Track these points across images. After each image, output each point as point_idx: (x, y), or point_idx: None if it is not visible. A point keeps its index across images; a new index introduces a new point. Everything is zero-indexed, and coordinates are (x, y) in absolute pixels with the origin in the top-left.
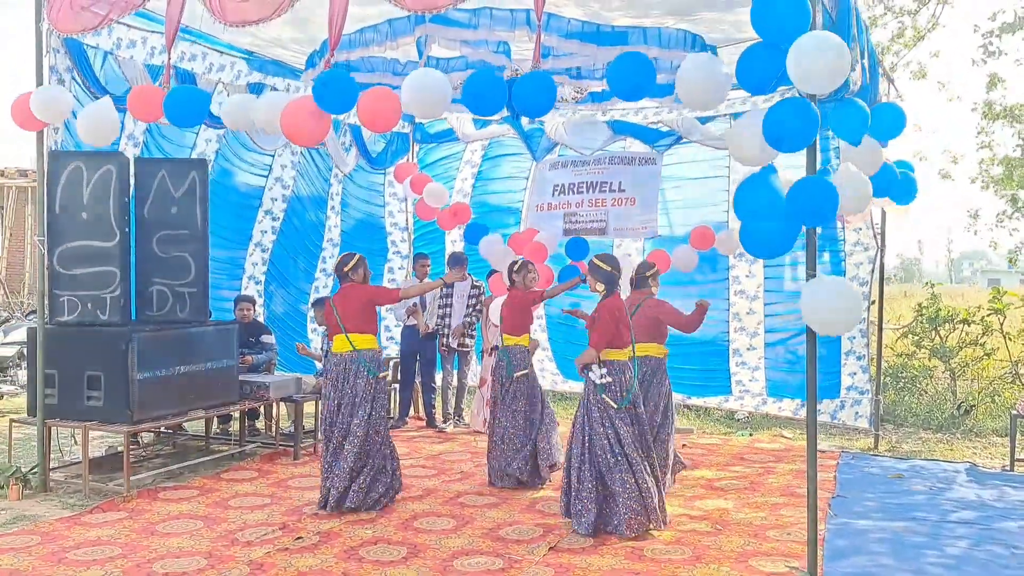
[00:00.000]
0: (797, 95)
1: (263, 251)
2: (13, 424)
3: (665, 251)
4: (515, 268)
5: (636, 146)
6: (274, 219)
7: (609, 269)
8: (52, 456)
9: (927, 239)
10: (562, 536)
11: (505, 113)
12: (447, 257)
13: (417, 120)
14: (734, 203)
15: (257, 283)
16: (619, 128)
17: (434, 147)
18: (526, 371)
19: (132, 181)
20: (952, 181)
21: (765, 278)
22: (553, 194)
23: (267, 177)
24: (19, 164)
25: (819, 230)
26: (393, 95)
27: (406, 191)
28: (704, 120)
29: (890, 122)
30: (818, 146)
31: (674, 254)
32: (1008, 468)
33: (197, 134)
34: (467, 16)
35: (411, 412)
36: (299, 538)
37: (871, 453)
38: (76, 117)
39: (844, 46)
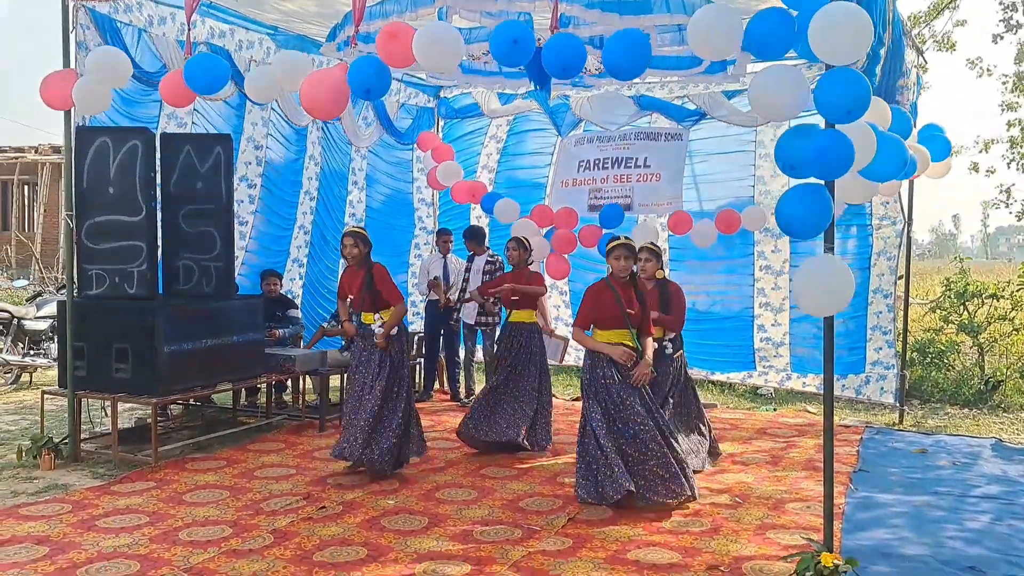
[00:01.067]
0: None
1: (305, 233)
2: (45, 396)
3: (689, 215)
4: (509, 246)
5: (662, 121)
6: (312, 198)
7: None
8: (83, 427)
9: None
10: (582, 508)
11: (530, 87)
12: (464, 231)
13: (442, 95)
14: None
15: (300, 265)
16: (645, 104)
17: (459, 122)
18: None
19: (158, 156)
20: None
21: (792, 253)
22: (578, 170)
23: (303, 156)
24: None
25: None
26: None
27: (426, 161)
28: (730, 95)
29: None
30: None
31: (695, 228)
32: None
33: (243, 118)
34: None
35: (436, 386)
36: (322, 507)
37: (896, 428)
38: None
39: (867, 17)
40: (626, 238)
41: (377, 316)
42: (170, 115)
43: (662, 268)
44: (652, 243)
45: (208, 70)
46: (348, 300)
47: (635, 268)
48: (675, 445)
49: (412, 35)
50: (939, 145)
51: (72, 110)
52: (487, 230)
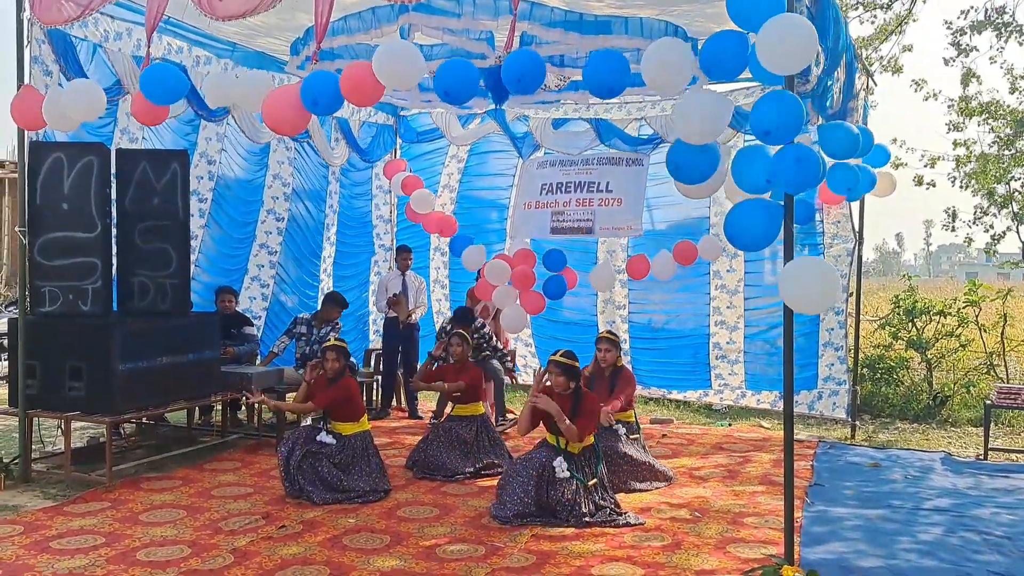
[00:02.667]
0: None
1: (270, 253)
2: None
3: (646, 256)
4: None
5: (623, 145)
6: (278, 219)
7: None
8: (34, 447)
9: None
10: (545, 526)
11: (490, 106)
12: (455, 312)
13: (402, 114)
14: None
15: (263, 285)
16: (604, 134)
17: (418, 141)
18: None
19: (113, 172)
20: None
21: (745, 272)
22: (541, 192)
23: (265, 174)
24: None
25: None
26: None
27: (394, 188)
28: None
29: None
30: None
31: (654, 262)
32: (982, 457)
33: (198, 132)
34: (450, 4)
35: (393, 403)
36: (283, 527)
37: (848, 443)
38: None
39: (813, 30)
40: (564, 354)
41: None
42: (123, 130)
43: (620, 356)
44: (610, 332)
45: (165, 81)
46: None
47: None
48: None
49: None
50: (879, 155)
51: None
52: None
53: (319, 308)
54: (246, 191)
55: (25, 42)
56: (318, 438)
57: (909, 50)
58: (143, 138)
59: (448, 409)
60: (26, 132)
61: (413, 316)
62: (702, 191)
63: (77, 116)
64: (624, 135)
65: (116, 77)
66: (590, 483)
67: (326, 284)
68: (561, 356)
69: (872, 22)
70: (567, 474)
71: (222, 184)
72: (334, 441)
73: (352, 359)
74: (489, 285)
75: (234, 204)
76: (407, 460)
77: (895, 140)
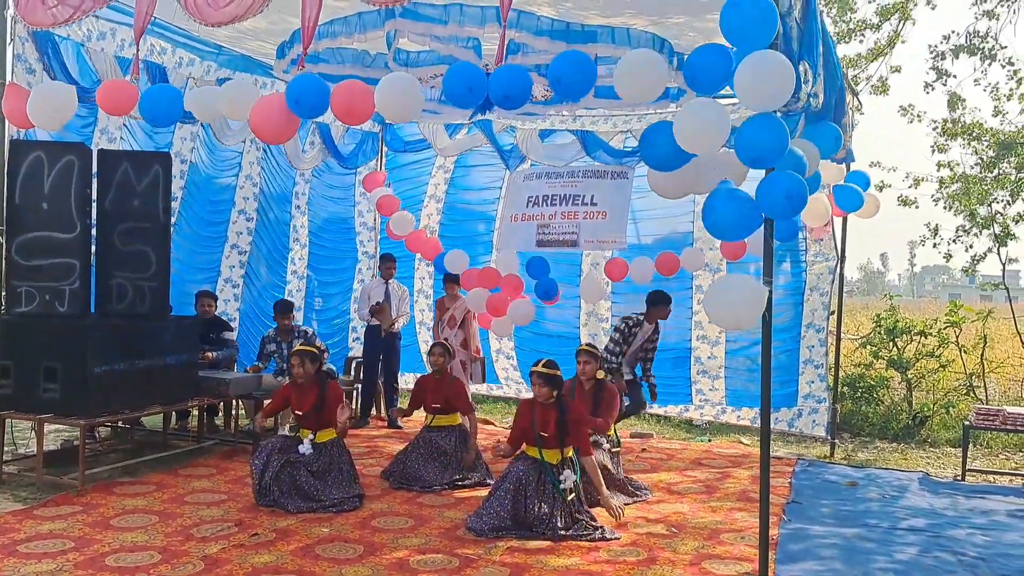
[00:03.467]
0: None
1: (240, 253)
2: None
3: (624, 260)
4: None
5: (608, 158)
6: (248, 219)
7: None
8: (6, 448)
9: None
10: (520, 538)
11: (476, 115)
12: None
13: (388, 121)
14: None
15: (234, 286)
16: (590, 147)
17: (403, 150)
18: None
19: (95, 173)
20: (911, 208)
21: None
22: (527, 205)
23: (238, 175)
24: None
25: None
26: (368, 90)
27: (372, 202)
28: None
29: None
30: None
31: (632, 265)
32: (960, 478)
33: (173, 132)
34: (438, 12)
35: (372, 412)
36: (255, 535)
37: (827, 461)
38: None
39: (790, 67)
40: (546, 363)
41: (309, 437)
42: (103, 130)
43: (601, 368)
44: (590, 345)
45: (162, 102)
46: (289, 413)
47: (584, 374)
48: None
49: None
50: (859, 180)
51: (5, 121)
52: None
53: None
54: (217, 191)
55: (8, 40)
56: (300, 448)
57: (897, 71)
58: (120, 138)
59: (427, 420)
60: (6, 131)
61: (396, 325)
62: (675, 187)
63: (43, 121)
64: (609, 148)
65: (98, 77)
66: (569, 497)
67: (294, 285)
68: (543, 367)
69: (861, 41)
70: (571, 484)
71: (194, 184)
72: (312, 451)
73: (331, 365)
74: (476, 279)
75: (203, 204)
76: (384, 471)
77: (875, 163)
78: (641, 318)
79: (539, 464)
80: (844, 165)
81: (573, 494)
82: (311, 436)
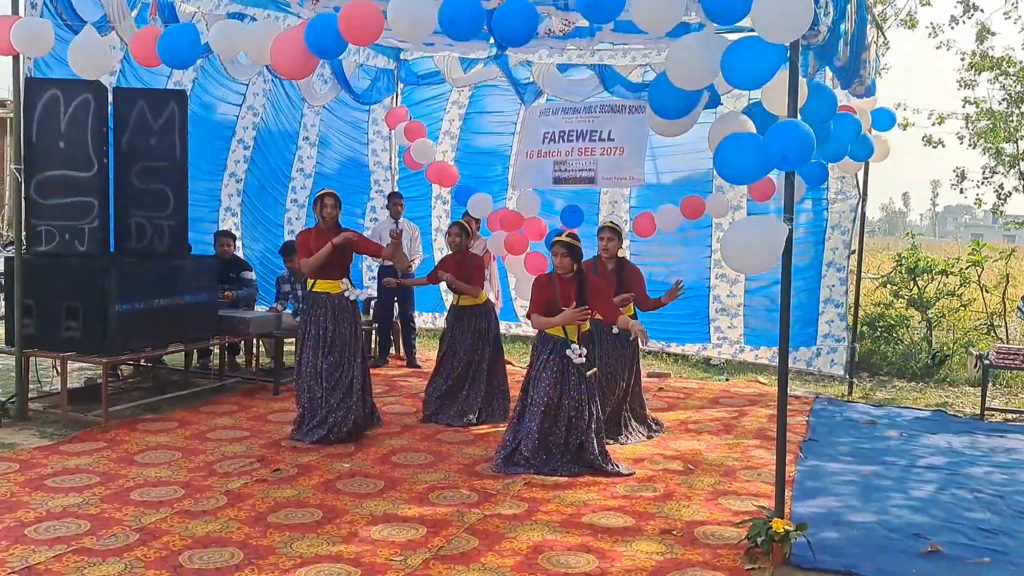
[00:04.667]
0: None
1: (237, 181)
2: None
3: (651, 213)
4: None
5: (626, 92)
6: (246, 148)
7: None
8: (31, 386)
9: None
10: (536, 474)
11: (492, 52)
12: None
13: (403, 57)
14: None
15: (234, 215)
16: (608, 81)
17: (420, 87)
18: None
19: (110, 111)
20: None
21: None
22: (543, 141)
23: (240, 106)
24: None
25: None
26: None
27: (396, 137)
28: None
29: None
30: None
31: (658, 215)
32: (979, 416)
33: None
34: None
35: (391, 351)
36: (277, 470)
37: (845, 400)
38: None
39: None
40: (568, 234)
41: (344, 282)
42: None
43: (622, 247)
44: (612, 222)
45: (182, 44)
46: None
47: (606, 251)
48: (591, 445)
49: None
50: (884, 119)
51: (21, 60)
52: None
53: (286, 266)
54: (218, 121)
55: None
56: (346, 294)
57: (928, 3)
58: (121, 72)
59: (455, 300)
60: (21, 68)
61: (412, 266)
62: (676, 127)
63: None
64: (627, 82)
65: (103, 12)
66: (588, 372)
67: (294, 213)
68: (565, 236)
69: None
70: (583, 360)
71: (195, 114)
72: (357, 295)
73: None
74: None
75: (206, 134)
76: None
77: (899, 105)
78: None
79: (563, 367)
80: (871, 99)
81: (594, 368)
82: (345, 282)
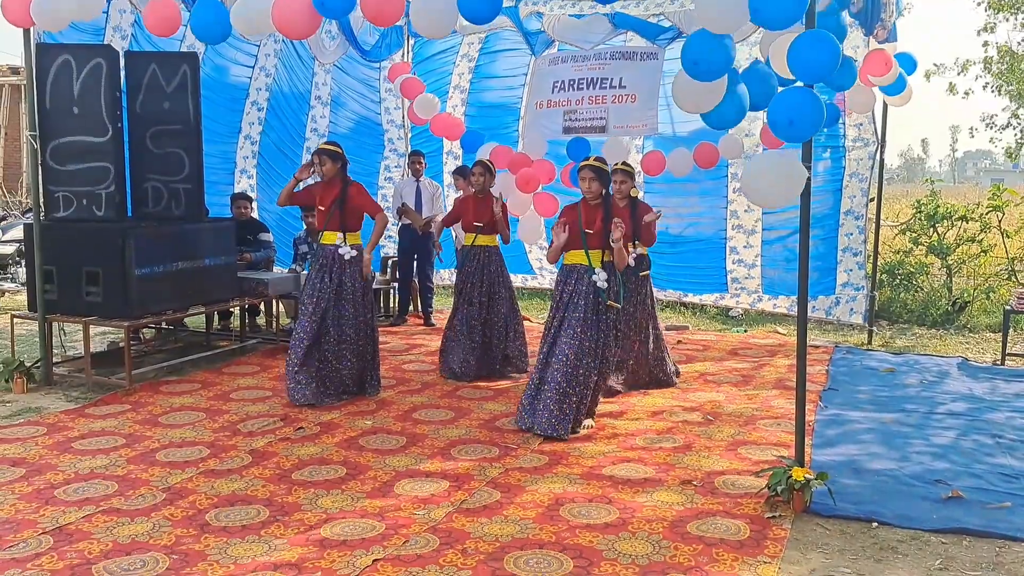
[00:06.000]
0: None
1: (252, 144)
2: (15, 320)
3: (661, 152)
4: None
5: (637, 40)
6: (259, 109)
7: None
8: (55, 351)
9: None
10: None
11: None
12: (454, 170)
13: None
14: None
15: (249, 177)
16: (620, 22)
17: (429, 41)
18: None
19: (123, 75)
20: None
21: None
22: (553, 91)
23: (253, 68)
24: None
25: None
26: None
27: (394, 90)
28: None
29: None
30: None
31: (670, 157)
32: (999, 362)
33: (186, 26)
34: None
35: (410, 309)
36: (300, 428)
37: (865, 348)
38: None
39: None
40: (596, 159)
41: (340, 239)
42: (115, 28)
43: (635, 187)
44: (626, 163)
45: (215, 22)
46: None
47: (610, 189)
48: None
49: None
50: (907, 64)
51: (32, 29)
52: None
53: (304, 224)
54: (231, 83)
55: None
56: (340, 251)
57: None
58: (132, 35)
59: (468, 240)
60: (32, 34)
61: (433, 224)
62: (704, 100)
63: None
64: (641, 23)
65: None
66: (610, 302)
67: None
68: (593, 160)
69: None
70: (606, 284)
71: (209, 77)
72: (354, 253)
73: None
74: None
75: (220, 94)
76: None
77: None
78: None
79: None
80: (894, 44)
81: (615, 303)
82: (340, 236)
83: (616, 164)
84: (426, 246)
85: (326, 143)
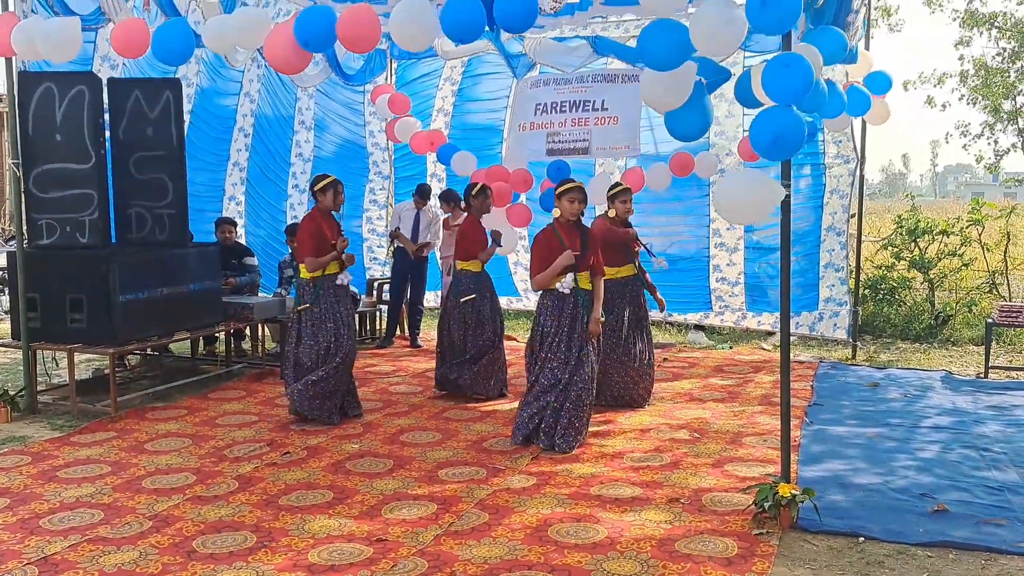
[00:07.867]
0: None
1: (240, 170)
2: None
3: (640, 168)
4: (473, 193)
5: (618, 63)
6: (246, 135)
7: None
8: (38, 379)
9: (913, 154)
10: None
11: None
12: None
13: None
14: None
15: (238, 204)
16: (600, 47)
17: (413, 64)
18: (472, 296)
19: (106, 102)
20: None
21: None
22: (535, 113)
23: (239, 95)
24: None
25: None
26: (374, 17)
27: (382, 111)
28: None
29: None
30: None
31: (648, 172)
32: (982, 375)
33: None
34: None
35: (396, 332)
36: (286, 453)
37: (849, 363)
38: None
39: None
40: (572, 180)
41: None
42: (104, 57)
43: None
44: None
45: (175, 41)
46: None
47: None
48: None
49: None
50: (880, 82)
51: (14, 58)
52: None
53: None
54: (221, 110)
55: None
56: (339, 280)
57: None
58: (123, 63)
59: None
60: (14, 62)
61: (425, 251)
62: (670, 97)
63: (50, 53)
64: (621, 47)
65: (97, 4)
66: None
67: (295, 199)
68: (576, 182)
69: None
70: (568, 290)
71: (199, 105)
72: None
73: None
74: (483, 177)
75: (210, 123)
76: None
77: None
78: None
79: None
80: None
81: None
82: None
83: (619, 185)
84: (420, 270)
85: (332, 177)
